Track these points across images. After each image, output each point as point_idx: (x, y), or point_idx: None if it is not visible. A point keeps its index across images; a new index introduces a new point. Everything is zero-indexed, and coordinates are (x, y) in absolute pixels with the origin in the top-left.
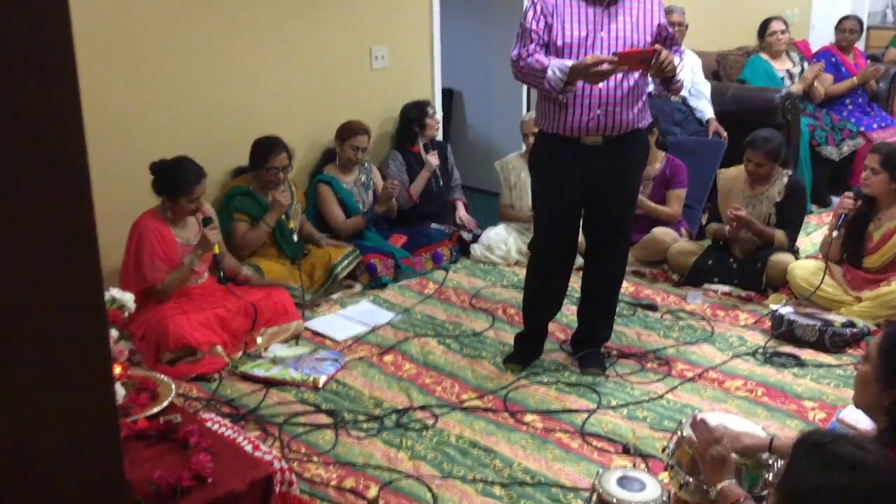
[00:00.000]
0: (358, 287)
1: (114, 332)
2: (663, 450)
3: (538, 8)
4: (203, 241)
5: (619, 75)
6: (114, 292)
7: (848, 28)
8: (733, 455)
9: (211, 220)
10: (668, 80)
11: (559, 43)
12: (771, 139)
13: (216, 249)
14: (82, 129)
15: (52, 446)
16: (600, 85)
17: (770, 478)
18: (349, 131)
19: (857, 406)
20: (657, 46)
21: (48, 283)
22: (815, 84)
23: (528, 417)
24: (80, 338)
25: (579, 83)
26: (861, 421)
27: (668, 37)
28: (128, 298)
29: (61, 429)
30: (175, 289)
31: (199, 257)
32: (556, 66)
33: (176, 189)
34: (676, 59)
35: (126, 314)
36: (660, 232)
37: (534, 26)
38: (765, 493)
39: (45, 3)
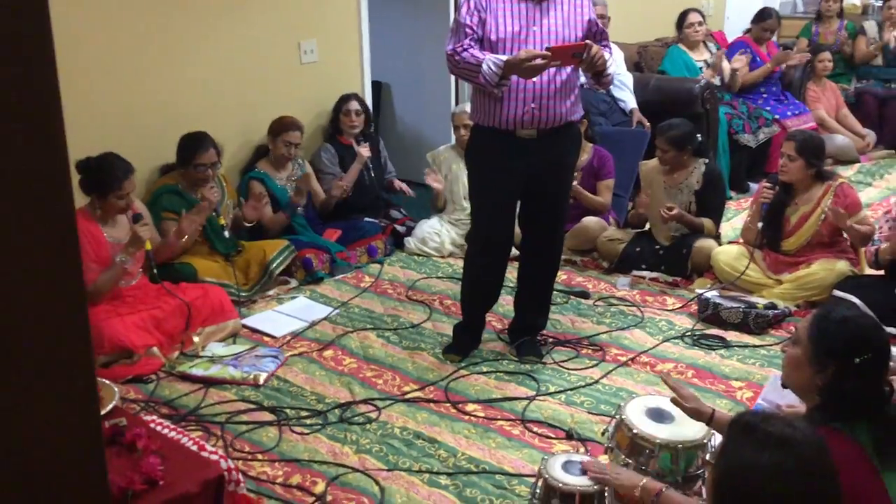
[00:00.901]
0: (294, 282)
1: None
2: (603, 433)
3: (472, 3)
4: (134, 239)
5: (553, 69)
6: None
7: (769, 28)
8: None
9: (141, 217)
10: (598, 73)
11: (493, 38)
12: (674, 127)
13: (148, 246)
14: (62, 125)
15: (36, 450)
16: (534, 79)
17: (708, 457)
18: (281, 126)
19: (787, 386)
20: (588, 42)
21: (31, 282)
22: (736, 73)
23: (470, 407)
24: (64, 337)
25: (514, 77)
26: (785, 397)
27: (598, 31)
28: None
29: (47, 430)
30: (108, 289)
31: (131, 255)
32: (490, 61)
33: (104, 186)
34: (607, 54)
35: None
36: (589, 221)
37: (468, 21)
38: (701, 471)
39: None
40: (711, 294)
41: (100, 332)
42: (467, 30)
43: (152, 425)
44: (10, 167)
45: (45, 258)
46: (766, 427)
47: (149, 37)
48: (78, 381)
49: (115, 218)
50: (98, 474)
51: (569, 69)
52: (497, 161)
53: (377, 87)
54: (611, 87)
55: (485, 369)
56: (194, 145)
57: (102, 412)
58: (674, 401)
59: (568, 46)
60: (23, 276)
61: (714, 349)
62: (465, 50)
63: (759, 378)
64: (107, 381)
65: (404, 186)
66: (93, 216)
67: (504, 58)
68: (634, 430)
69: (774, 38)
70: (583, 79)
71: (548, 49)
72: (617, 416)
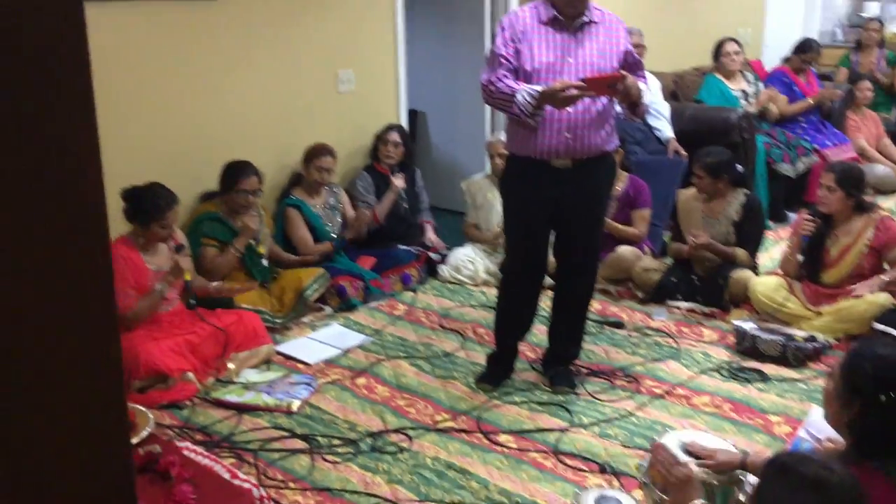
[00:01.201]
0: (328, 310)
1: None
2: (637, 467)
3: (507, 34)
4: (175, 269)
5: (588, 100)
6: None
7: (809, 59)
8: (703, 474)
9: (183, 247)
10: (633, 104)
11: (528, 68)
12: (710, 154)
13: (187, 276)
14: (98, 150)
15: (61, 471)
16: (569, 109)
17: (741, 497)
18: (314, 153)
19: (828, 422)
20: (623, 72)
21: (63, 298)
22: (770, 106)
23: (502, 437)
24: (93, 354)
25: (548, 107)
26: (828, 430)
27: (634, 62)
28: None
29: (75, 463)
30: (145, 317)
31: (170, 284)
32: (525, 91)
33: (148, 215)
34: (642, 85)
35: None
36: (624, 250)
37: (503, 51)
38: None
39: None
40: (749, 326)
41: (136, 356)
42: (502, 60)
43: (186, 452)
44: (45, 196)
45: (78, 287)
46: (801, 469)
47: (190, 67)
48: (110, 413)
49: (156, 246)
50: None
51: (604, 99)
52: (531, 190)
53: (413, 115)
54: (647, 116)
55: (517, 399)
56: (238, 171)
57: (137, 439)
58: (700, 465)
59: (603, 77)
60: (54, 306)
61: (751, 382)
62: (500, 80)
63: (797, 412)
64: (142, 408)
65: (436, 240)
66: (135, 244)
67: (538, 88)
68: None
69: (813, 67)
70: (618, 108)
71: (582, 80)
72: (651, 451)
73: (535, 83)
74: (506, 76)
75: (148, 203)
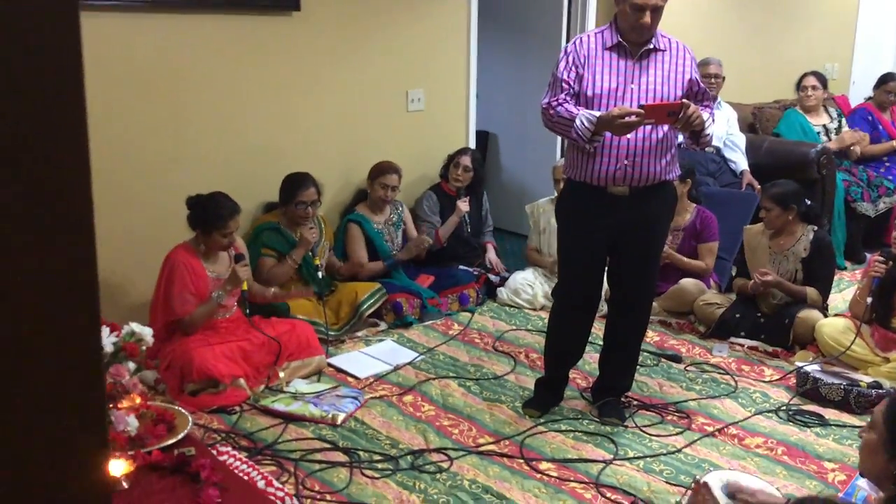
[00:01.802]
0: (383, 325)
1: (130, 365)
2: None
3: (570, 58)
4: (233, 277)
5: (649, 127)
6: (133, 326)
7: (892, 90)
8: None
9: (243, 258)
10: (696, 133)
11: (589, 93)
12: (778, 185)
13: (245, 286)
14: (89, 172)
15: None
16: (629, 136)
17: None
18: (379, 170)
19: (863, 474)
20: (684, 101)
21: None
22: (853, 147)
23: (544, 465)
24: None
25: (608, 133)
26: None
27: (700, 91)
28: (146, 332)
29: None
30: (201, 323)
31: (227, 293)
32: (583, 117)
33: (210, 223)
34: (706, 115)
35: (144, 348)
36: (687, 283)
37: (565, 76)
38: None
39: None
40: (812, 368)
41: (190, 360)
42: (564, 84)
43: (225, 457)
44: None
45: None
46: None
47: (263, 80)
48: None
49: (216, 254)
50: None
51: (665, 127)
52: (587, 216)
53: (483, 136)
54: (721, 147)
55: (563, 427)
56: (297, 183)
57: (172, 440)
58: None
59: (663, 105)
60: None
61: (809, 426)
62: (560, 104)
63: (854, 461)
64: (182, 410)
65: (497, 262)
66: (196, 250)
67: (597, 114)
68: None
69: None
70: (681, 138)
71: (641, 106)
72: (691, 488)
73: (596, 109)
74: (566, 100)
75: (210, 212)
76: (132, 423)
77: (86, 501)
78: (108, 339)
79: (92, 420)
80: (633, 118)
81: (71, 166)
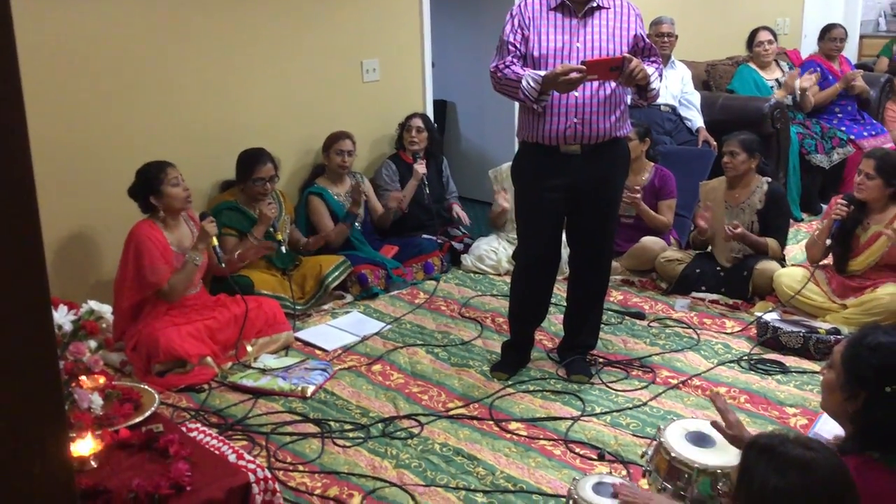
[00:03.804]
0: (349, 298)
1: (92, 343)
2: (642, 455)
3: (516, 21)
4: (202, 234)
5: (595, 84)
6: (91, 304)
7: (836, 37)
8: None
9: (207, 214)
10: (642, 88)
11: (535, 54)
12: (744, 132)
13: (214, 242)
14: (27, 141)
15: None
16: (576, 94)
17: (720, 486)
18: (332, 139)
19: (824, 410)
20: (626, 55)
21: None
22: (807, 94)
23: (513, 425)
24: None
25: (556, 93)
26: (835, 432)
27: (646, 47)
28: (105, 310)
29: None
30: (182, 288)
31: (200, 252)
32: (529, 77)
33: (154, 183)
34: (651, 69)
35: (104, 325)
36: (648, 241)
37: (511, 39)
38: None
39: None
40: (772, 317)
41: (156, 341)
42: (510, 47)
43: (194, 433)
44: None
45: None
46: (785, 450)
47: (213, 59)
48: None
49: (177, 222)
50: None
51: (613, 83)
52: (542, 177)
53: (441, 105)
54: (677, 105)
55: (531, 388)
56: (253, 159)
57: (141, 418)
58: (714, 424)
59: (605, 60)
60: None
61: (771, 374)
62: (507, 66)
63: (814, 405)
64: (148, 388)
65: (462, 214)
66: (156, 223)
67: (543, 73)
68: (673, 454)
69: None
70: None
71: (583, 63)
72: (656, 439)
73: (544, 69)
74: (513, 63)
75: (150, 171)
76: (96, 402)
77: (47, 479)
78: (66, 318)
79: (48, 399)
80: (576, 75)
81: (8, 150)
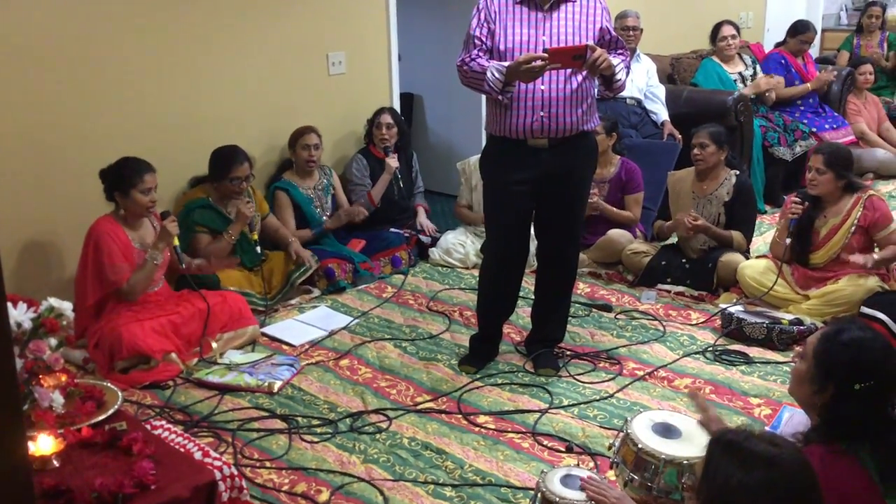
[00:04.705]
0: (316, 292)
1: (52, 341)
2: (609, 447)
3: (482, 15)
4: (163, 233)
5: (563, 77)
6: (51, 301)
7: (808, 39)
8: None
9: (169, 213)
10: (608, 79)
11: (502, 47)
12: (713, 124)
13: (175, 241)
14: None
15: None
16: (543, 87)
17: (685, 479)
18: (297, 134)
19: (792, 396)
20: (589, 44)
21: None
22: (768, 95)
23: (481, 419)
24: None
25: (523, 85)
26: (797, 428)
27: (612, 39)
28: (66, 307)
29: None
30: (142, 287)
31: (160, 251)
32: (493, 68)
33: (126, 183)
34: (616, 60)
35: (65, 322)
36: (615, 233)
37: (477, 33)
38: (678, 496)
39: None
40: (736, 309)
41: (119, 337)
42: (476, 41)
43: (160, 431)
44: None
45: None
46: (749, 446)
47: (176, 52)
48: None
49: (140, 222)
50: None
51: (580, 77)
52: (510, 170)
53: (409, 98)
54: (642, 99)
55: (499, 381)
56: (229, 159)
57: (104, 416)
58: (701, 422)
59: (567, 49)
60: None
61: (735, 365)
62: (473, 60)
63: (778, 395)
64: (111, 386)
65: (429, 226)
66: (117, 220)
67: (506, 64)
68: (640, 445)
69: (815, 50)
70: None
71: (545, 51)
72: (623, 431)
73: (510, 62)
74: (479, 56)
75: (126, 170)
76: (57, 400)
77: (4, 478)
78: (25, 316)
79: (2, 395)
80: (539, 63)
81: None
